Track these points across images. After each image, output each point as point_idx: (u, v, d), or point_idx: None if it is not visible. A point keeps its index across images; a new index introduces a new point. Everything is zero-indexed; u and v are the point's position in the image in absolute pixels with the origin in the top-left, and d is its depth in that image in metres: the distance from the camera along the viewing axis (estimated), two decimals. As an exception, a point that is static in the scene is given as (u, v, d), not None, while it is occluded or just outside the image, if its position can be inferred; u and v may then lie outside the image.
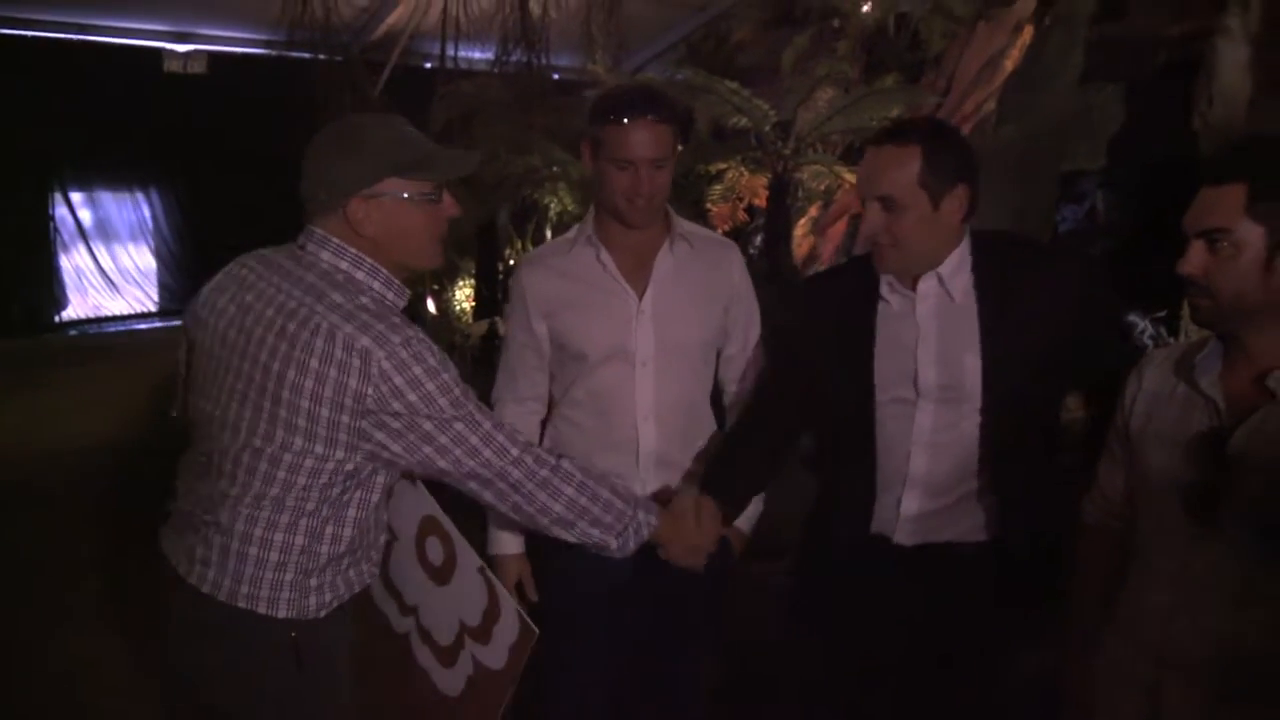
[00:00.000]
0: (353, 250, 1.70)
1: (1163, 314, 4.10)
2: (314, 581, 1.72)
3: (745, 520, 2.43)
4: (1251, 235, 1.51)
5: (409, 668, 2.05)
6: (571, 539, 1.87)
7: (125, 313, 13.64)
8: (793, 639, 2.38)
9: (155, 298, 14.04)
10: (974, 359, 1.98)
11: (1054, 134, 5.36)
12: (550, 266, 2.30)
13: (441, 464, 1.71)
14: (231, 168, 11.96)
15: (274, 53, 8.96)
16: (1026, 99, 5.71)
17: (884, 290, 2.06)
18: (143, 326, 13.13)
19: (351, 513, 1.75)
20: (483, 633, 1.95)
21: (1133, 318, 4.65)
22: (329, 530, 1.72)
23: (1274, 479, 1.51)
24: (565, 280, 2.26)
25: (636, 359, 2.21)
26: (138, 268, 13.94)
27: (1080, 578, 1.92)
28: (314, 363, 1.59)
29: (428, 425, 1.65)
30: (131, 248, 13.86)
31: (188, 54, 9.37)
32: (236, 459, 1.68)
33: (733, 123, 6.66)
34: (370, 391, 1.60)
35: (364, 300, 1.65)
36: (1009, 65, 6.11)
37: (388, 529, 1.95)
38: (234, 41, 9.50)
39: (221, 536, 1.70)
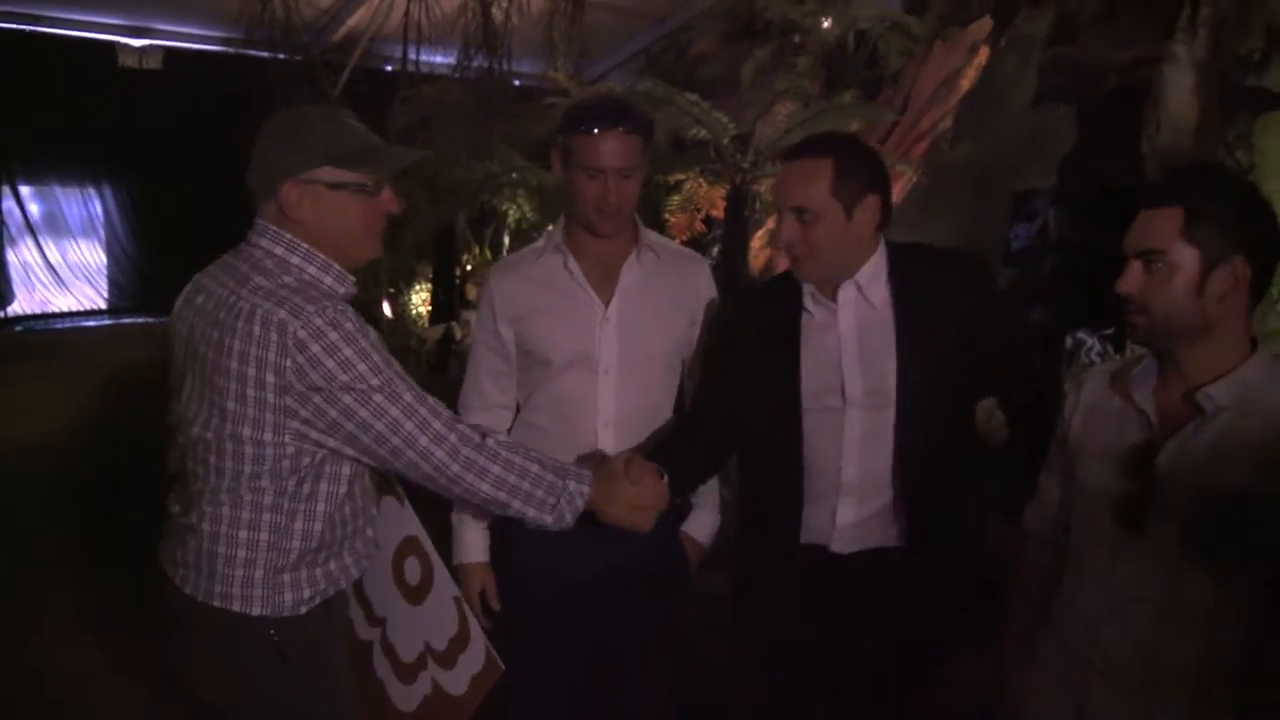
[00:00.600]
0: (288, 236, 1.72)
1: (1110, 331, 4.18)
2: (287, 578, 1.72)
3: (702, 531, 2.44)
4: (1185, 257, 1.57)
5: (367, 675, 2.03)
6: (507, 514, 1.83)
7: (74, 309, 13.43)
8: (737, 655, 2.39)
9: (105, 294, 13.84)
10: (890, 364, 2.04)
11: (1008, 152, 5.45)
12: (519, 273, 2.32)
13: (365, 440, 1.66)
14: (186, 165, 11.83)
15: (232, 50, 8.88)
16: (982, 118, 5.80)
17: (807, 302, 2.10)
18: (92, 324, 12.93)
19: (320, 506, 1.74)
20: (447, 658, 1.94)
21: (1081, 334, 4.74)
22: (298, 525, 1.72)
23: (1198, 492, 1.57)
24: (532, 286, 2.28)
25: (599, 366, 2.23)
26: (87, 264, 13.74)
27: (1018, 584, 1.96)
28: (237, 344, 1.61)
29: (347, 399, 1.62)
30: (82, 243, 13.66)
31: (143, 49, 9.27)
32: (195, 454, 1.71)
33: (692, 134, 6.69)
34: (289, 364, 1.59)
35: (287, 279, 1.67)
36: (965, 84, 6.21)
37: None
38: (191, 38, 9.42)
39: (194, 537, 1.73)
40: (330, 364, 1.60)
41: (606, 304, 2.24)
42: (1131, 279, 1.62)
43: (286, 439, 1.66)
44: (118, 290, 13.83)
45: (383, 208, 1.79)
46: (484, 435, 1.75)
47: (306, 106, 1.80)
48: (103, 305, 13.69)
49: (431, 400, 1.71)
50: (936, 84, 6.50)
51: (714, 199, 7.23)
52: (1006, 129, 5.57)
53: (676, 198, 7.38)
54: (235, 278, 1.70)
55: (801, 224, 2.01)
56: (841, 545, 2.12)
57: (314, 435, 1.68)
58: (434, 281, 8.07)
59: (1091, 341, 4.51)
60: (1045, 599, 1.85)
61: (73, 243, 13.55)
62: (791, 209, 2.01)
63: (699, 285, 2.37)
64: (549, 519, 1.81)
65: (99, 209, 13.67)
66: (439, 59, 7.94)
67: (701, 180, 7.17)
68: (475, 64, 7.46)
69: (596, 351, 2.23)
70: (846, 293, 2.08)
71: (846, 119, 6.55)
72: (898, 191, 5.70)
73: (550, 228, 2.36)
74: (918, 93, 6.67)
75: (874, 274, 2.07)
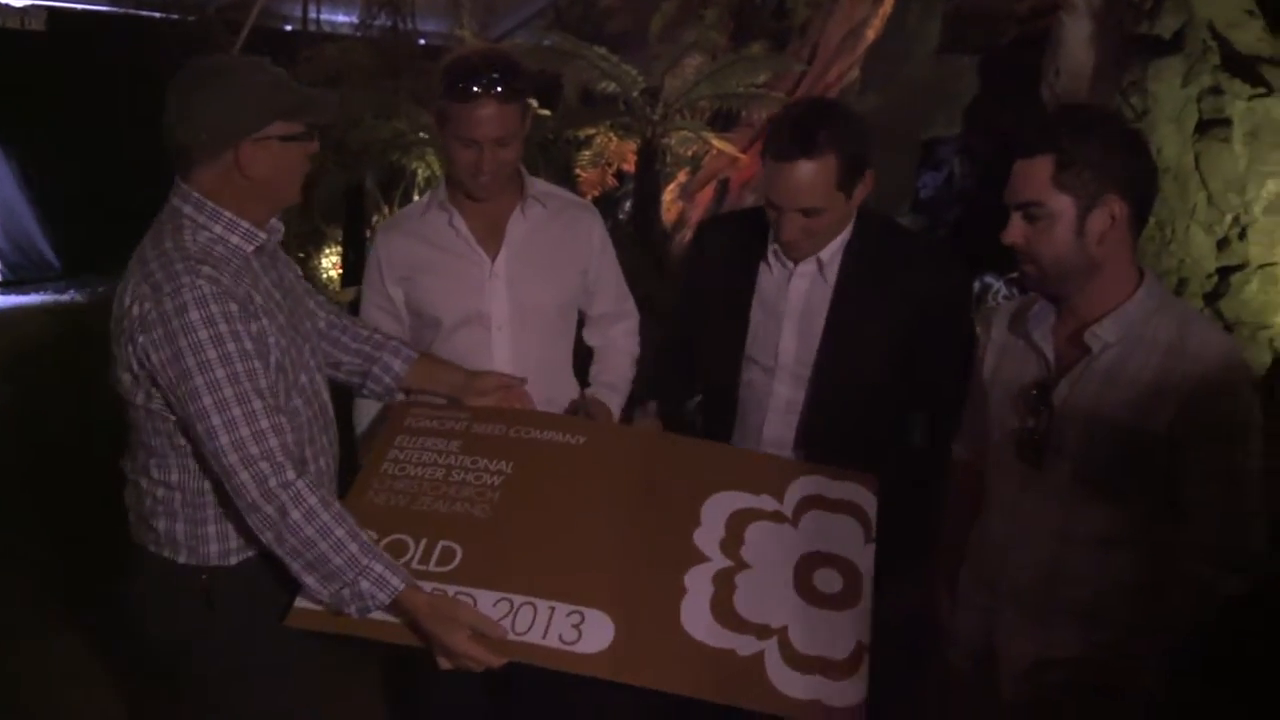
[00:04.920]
0: (195, 194, 1.69)
1: (1015, 274, 4.28)
2: (212, 529, 1.73)
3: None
4: (1061, 205, 1.61)
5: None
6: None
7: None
8: None
9: (-3, 269, 13.28)
10: (822, 335, 2.06)
11: (913, 102, 5.54)
12: (405, 231, 2.27)
13: (197, 430, 1.61)
14: (74, 132, 11.36)
15: (121, 10, 8.55)
16: (887, 68, 5.88)
17: (770, 255, 2.11)
18: (-20, 300, 12.40)
19: None
20: (837, 670, 1.68)
21: (989, 279, 4.86)
22: (208, 480, 1.70)
23: (1088, 427, 1.65)
24: (419, 244, 2.23)
25: (492, 323, 2.20)
26: (-26, 236, 13.14)
27: (949, 509, 2.03)
28: (118, 311, 1.66)
29: (183, 387, 1.59)
30: (-34, 215, 13.05)
31: (25, 9, 8.86)
32: (124, 412, 1.75)
33: (601, 88, 6.66)
34: (141, 340, 1.61)
35: (168, 245, 1.65)
36: (871, 35, 6.28)
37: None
38: (77, -2, 9.02)
39: (131, 486, 1.80)
40: (167, 352, 1.59)
41: (493, 259, 2.21)
42: (1014, 230, 1.66)
43: (155, 406, 1.67)
44: (8, 264, 13.28)
45: (311, 151, 1.80)
46: (297, 476, 1.63)
47: (221, 58, 1.78)
48: (-7, 280, 13.13)
49: (265, 422, 1.61)
50: (843, 35, 6.55)
51: (625, 153, 7.21)
52: (911, 79, 5.66)
53: (587, 153, 7.35)
54: (144, 243, 1.70)
55: (806, 219, 1.97)
56: None
57: (179, 413, 1.65)
58: (344, 244, 7.92)
59: (998, 285, 4.63)
60: (970, 522, 1.92)
61: (-43, 214, 12.94)
62: (798, 210, 1.95)
63: (591, 234, 2.34)
64: (325, 597, 1.65)
65: (-17, 177, 13.07)
66: (340, 17, 7.76)
67: (612, 135, 7.15)
68: (379, 22, 7.30)
69: (487, 308, 2.20)
70: (807, 265, 2.08)
71: (755, 71, 6.58)
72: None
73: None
74: (825, 44, 6.72)
75: (838, 250, 2.07)
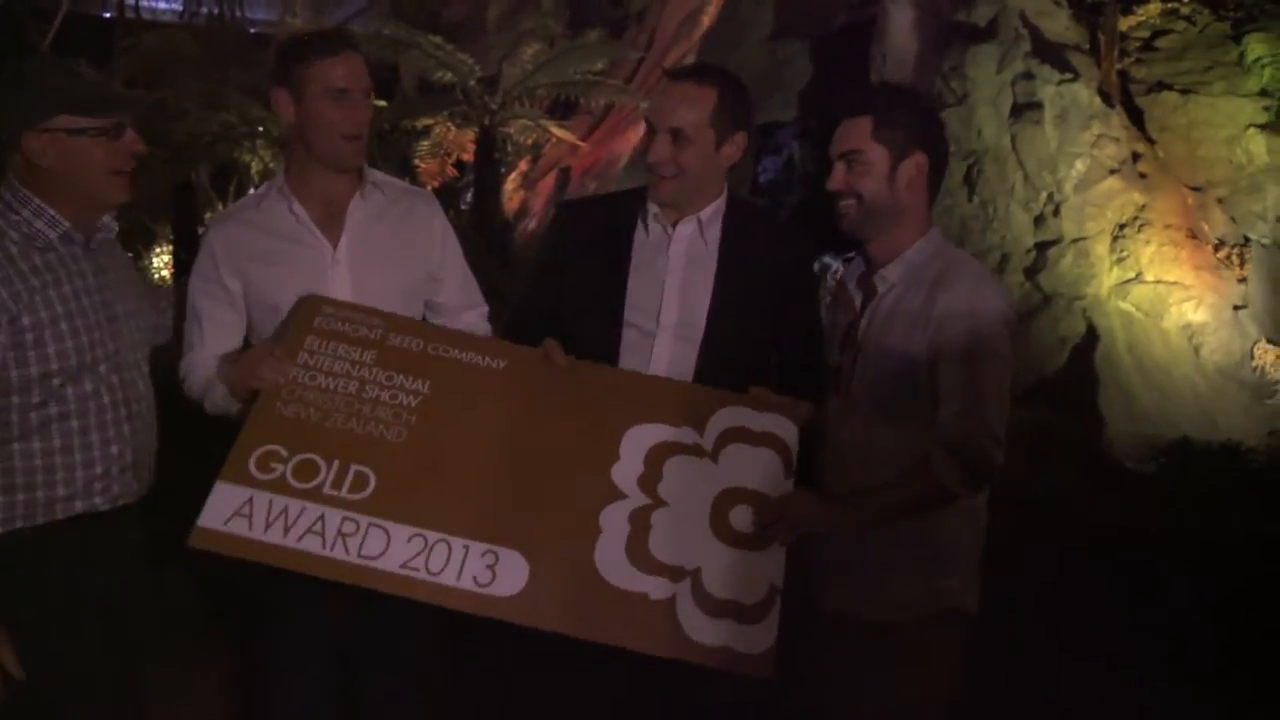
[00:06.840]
0: (17, 184, 1.83)
1: (852, 255, 4.45)
2: None
3: None
4: (877, 154, 1.90)
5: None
6: None
7: None
8: None
9: None
10: (706, 301, 2.14)
11: (749, 88, 5.65)
12: (242, 222, 2.21)
13: None
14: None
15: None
16: (722, 54, 5.98)
17: (649, 219, 2.15)
18: None
19: None
20: (748, 615, 1.73)
21: (826, 260, 5.02)
22: None
23: (876, 356, 1.88)
24: (257, 234, 2.18)
25: None
26: None
27: None
28: None
29: None
30: None
31: None
32: None
33: (438, 77, 6.59)
34: None
35: None
36: (706, 22, 6.39)
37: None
38: None
39: None
40: None
41: (335, 245, 2.19)
42: (838, 176, 1.91)
43: None
44: None
45: (127, 149, 1.89)
46: None
47: (35, 56, 1.87)
48: None
49: None
50: (679, 21, 6.65)
51: (464, 143, 7.15)
52: (746, 64, 5.77)
53: (425, 143, 7.25)
54: None
55: (674, 145, 2.06)
56: None
57: None
58: (175, 242, 7.64)
59: (836, 265, 4.79)
60: None
61: None
62: (668, 129, 2.06)
63: (432, 222, 2.32)
64: None
65: None
66: (163, 4, 7.44)
67: (451, 124, 7.07)
68: (204, 10, 7.03)
69: (328, 295, 2.19)
70: (687, 226, 2.15)
71: (592, 58, 6.62)
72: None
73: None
74: (661, 30, 6.80)
75: (715, 214, 2.16)
